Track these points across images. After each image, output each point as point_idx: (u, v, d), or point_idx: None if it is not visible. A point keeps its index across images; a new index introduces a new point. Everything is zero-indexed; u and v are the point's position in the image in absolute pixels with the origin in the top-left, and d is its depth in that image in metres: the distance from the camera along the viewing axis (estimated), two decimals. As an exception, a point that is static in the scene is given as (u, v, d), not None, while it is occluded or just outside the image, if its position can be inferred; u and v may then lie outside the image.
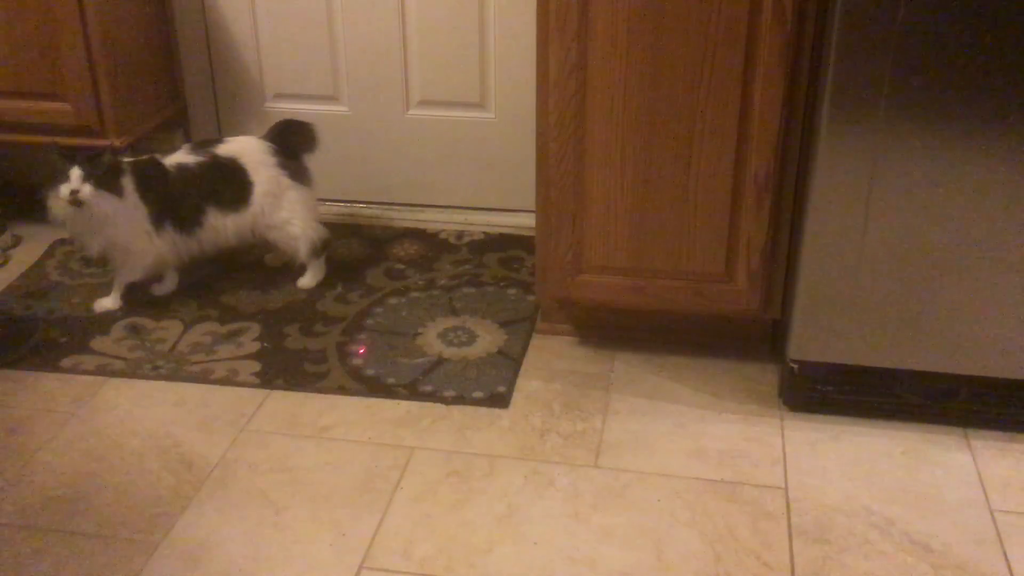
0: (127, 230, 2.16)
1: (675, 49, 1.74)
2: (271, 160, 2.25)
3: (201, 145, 2.26)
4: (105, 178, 2.09)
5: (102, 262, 2.34)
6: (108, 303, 2.25)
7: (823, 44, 1.66)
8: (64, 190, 2.06)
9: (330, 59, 2.55)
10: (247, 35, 2.57)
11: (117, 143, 2.35)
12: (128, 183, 2.13)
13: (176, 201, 2.20)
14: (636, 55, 1.75)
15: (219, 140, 2.28)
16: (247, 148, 2.26)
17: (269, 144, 2.26)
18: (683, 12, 1.71)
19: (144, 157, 2.22)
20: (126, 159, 2.20)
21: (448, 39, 2.48)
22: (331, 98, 2.60)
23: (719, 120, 1.78)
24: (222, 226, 2.24)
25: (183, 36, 2.56)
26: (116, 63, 2.33)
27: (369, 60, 2.54)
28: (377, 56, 2.53)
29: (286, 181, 2.25)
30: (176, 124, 2.63)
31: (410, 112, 2.59)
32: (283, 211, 2.26)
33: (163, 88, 2.56)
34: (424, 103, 2.57)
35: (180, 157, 2.22)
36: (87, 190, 2.06)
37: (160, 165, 2.20)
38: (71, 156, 2.07)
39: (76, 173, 2.05)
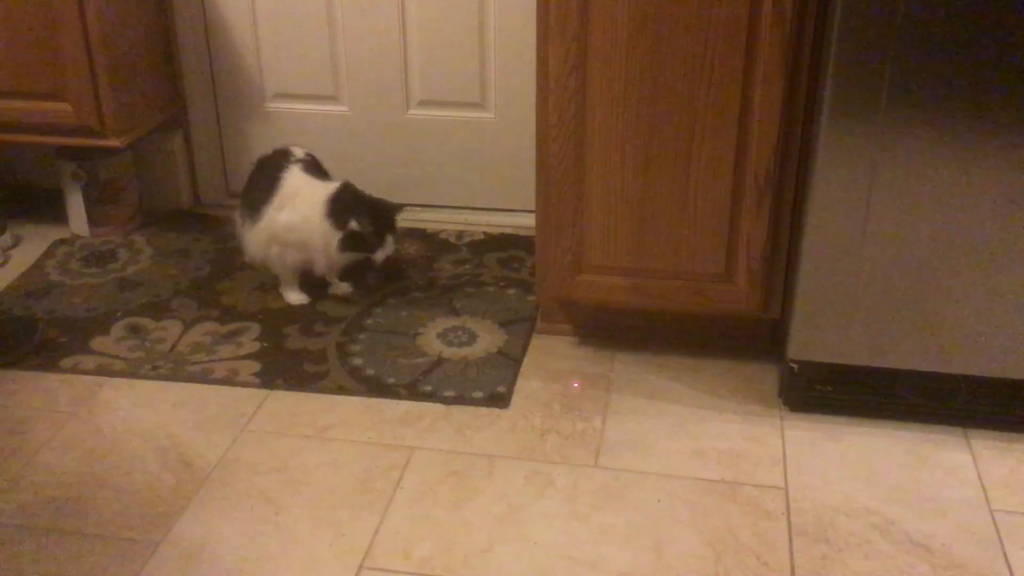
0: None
1: (675, 49, 1.74)
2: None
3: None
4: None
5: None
6: (299, 297, 2.26)
7: (823, 44, 1.66)
8: (380, 256, 2.16)
9: (330, 59, 2.55)
10: (247, 35, 2.56)
11: (116, 143, 2.35)
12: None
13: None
14: (636, 55, 1.75)
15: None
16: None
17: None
18: (683, 12, 1.71)
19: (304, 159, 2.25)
20: (292, 163, 2.21)
21: (448, 39, 2.48)
22: (331, 98, 2.60)
23: (719, 120, 1.78)
24: None
25: (183, 36, 2.56)
26: (116, 63, 2.33)
27: (369, 60, 2.53)
28: (377, 56, 2.52)
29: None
30: (176, 124, 2.63)
31: (410, 112, 2.59)
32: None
33: (163, 88, 2.56)
34: (424, 103, 2.57)
35: (296, 151, 2.26)
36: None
37: (311, 159, 2.26)
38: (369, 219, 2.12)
39: (390, 239, 2.16)
